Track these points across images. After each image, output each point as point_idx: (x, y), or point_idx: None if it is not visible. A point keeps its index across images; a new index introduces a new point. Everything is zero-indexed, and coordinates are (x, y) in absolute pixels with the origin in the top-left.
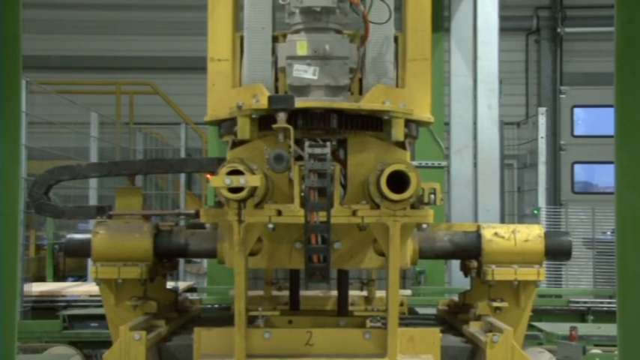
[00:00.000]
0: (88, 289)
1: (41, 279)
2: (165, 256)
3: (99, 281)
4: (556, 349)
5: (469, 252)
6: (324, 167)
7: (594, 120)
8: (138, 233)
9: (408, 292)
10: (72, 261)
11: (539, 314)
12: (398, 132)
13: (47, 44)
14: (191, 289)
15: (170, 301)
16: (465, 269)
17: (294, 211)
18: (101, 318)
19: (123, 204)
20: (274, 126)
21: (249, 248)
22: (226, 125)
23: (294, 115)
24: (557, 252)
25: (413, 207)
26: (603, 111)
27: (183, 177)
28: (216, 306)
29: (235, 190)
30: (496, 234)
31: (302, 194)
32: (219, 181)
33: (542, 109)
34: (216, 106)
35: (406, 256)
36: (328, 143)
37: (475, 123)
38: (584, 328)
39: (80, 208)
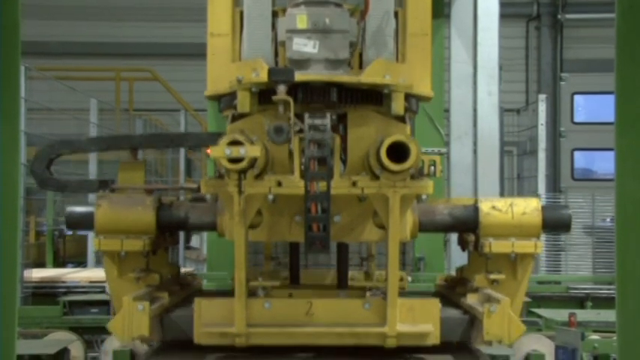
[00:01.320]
0: (88, 275)
1: (41, 265)
2: (167, 229)
3: (101, 253)
4: (555, 335)
5: (467, 225)
6: (324, 137)
7: (594, 107)
8: (141, 206)
9: (408, 278)
10: (72, 247)
11: (538, 301)
12: (398, 106)
13: (46, 30)
14: (190, 275)
15: (172, 275)
16: (463, 243)
17: (295, 182)
18: (101, 304)
19: (125, 178)
20: (274, 97)
21: (249, 219)
22: (226, 100)
23: (294, 89)
24: (555, 225)
25: (413, 178)
26: (603, 98)
27: (182, 164)
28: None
29: (235, 160)
30: (494, 207)
31: (302, 166)
32: (219, 151)
33: (542, 96)
34: (216, 80)
35: (406, 229)
36: (328, 114)
37: (475, 110)
38: (583, 315)
39: (83, 182)
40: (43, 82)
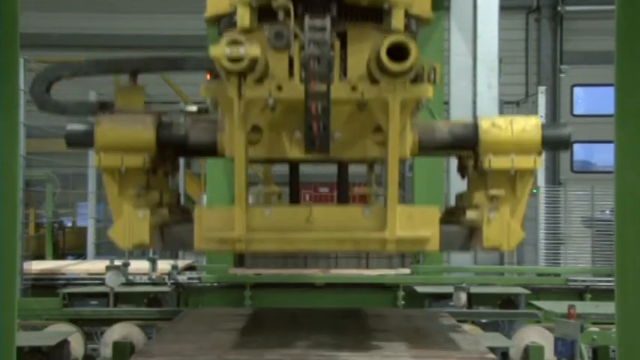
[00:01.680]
0: (87, 267)
1: (41, 257)
2: (168, 147)
3: (102, 170)
4: (554, 327)
5: (467, 142)
6: (324, 37)
7: (594, 99)
8: (141, 123)
9: (407, 270)
10: (71, 239)
11: (537, 293)
12: (398, 21)
13: (46, 22)
14: (190, 268)
15: (173, 202)
16: (462, 169)
17: (295, 85)
18: (101, 296)
19: (124, 103)
20: (274, 3)
21: (249, 126)
22: (226, 20)
23: (294, 4)
24: (554, 142)
25: (413, 82)
26: (603, 90)
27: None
28: (215, 284)
29: (235, 60)
30: (493, 124)
31: (302, 73)
32: (220, 50)
33: (541, 88)
34: (216, 1)
35: (405, 145)
36: (328, 16)
37: (475, 102)
38: (582, 307)
39: (82, 104)
40: None
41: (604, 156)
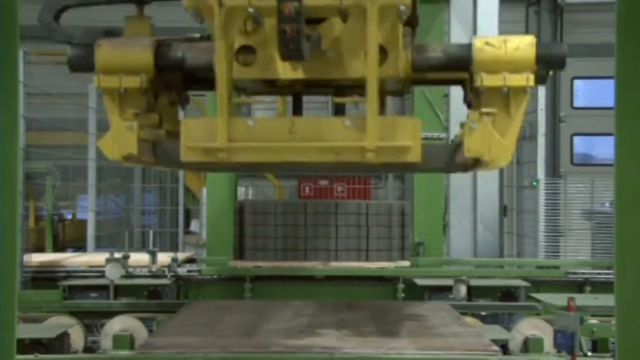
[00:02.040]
0: (87, 259)
1: (41, 249)
2: (166, 69)
3: (102, 91)
4: (554, 320)
5: (461, 62)
6: None
7: (594, 92)
8: (139, 46)
9: (407, 263)
10: (71, 232)
11: (537, 285)
12: None
13: None
14: (190, 260)
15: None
16: (466, 97)
17: None
18: (101, 288)
19: (131, 32)
20: None
21: (231, 37)
22: None
23: None
24: (549, 59)
25: None
26: (603, 82)
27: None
28: (215, 277)
29: None
30: (487, 43)
31: None
32: None
33: None
34: None
35: (397, 65)
36: None
37: None
38: (581, 299)
39: (89, 31)
40: (43, 67)
41: (604, 149)
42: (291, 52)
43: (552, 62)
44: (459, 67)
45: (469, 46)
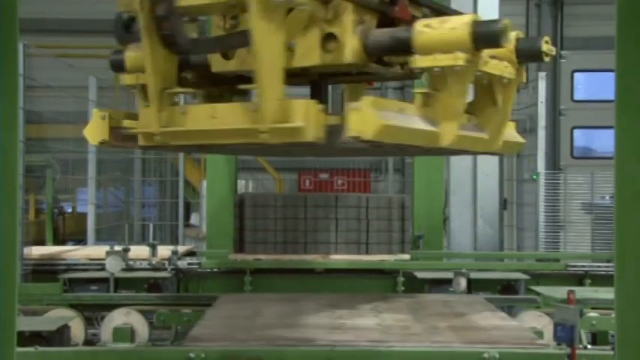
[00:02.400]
0: (87, 252)
1: (41, 242)
2: None
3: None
4: (553, 313)
5: (405, 44)
6: None
7: (594, 84)
8: None
9: (407, 256)
10: (71, 225)
11: (536, 278)
12: None
13: (45, 6)
14: (190, 253)
15: None
16: None
17: None
18: (101, 281)
19: None
20: None
21: (155, 35)
22: None
23: None
24: (484, 38)
25: None
26: (604, 75)
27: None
28: (215, 270)
29: None
30: (427, 25)
31: None
32: None
33: (542, 74)
34: None
35: (347, 50)
36: None
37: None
38: (581, 292)
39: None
40: (43, 60)
41: (604, 142)
42: (170, 47)
43: (488, 40)
44: (404, 49)
45: (412, 28)
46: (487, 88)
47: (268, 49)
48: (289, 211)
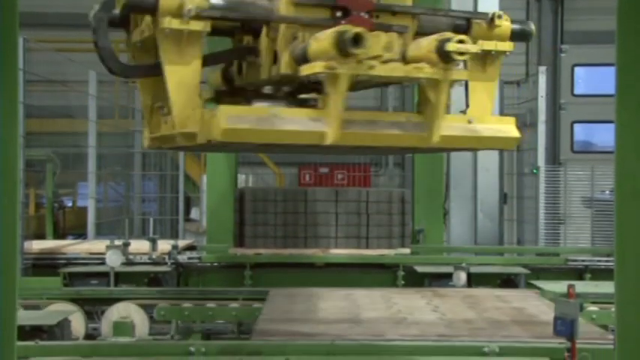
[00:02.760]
0: (88, 246)
1: (41, 237)
2: None
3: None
4: (554, 307)
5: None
6: None
7: (595, 79)
8: None
9: (407, 250)
10: (71, 219)
11: (537, 272)
12: None
13: (46, 1)
14: (190, 248)
15: None
16: None
17: None
18: (101, 275)
19: None
20: None
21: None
22: None
23: None
24: (344, 45)
25: None
26: (604, 70)
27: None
28: (215, 264)
29: None
30: (315, 38)
31: None
32: None
33: (542, 68)
34: None
35: (281, 65)
36: None
37: None
38: (581, 286)
39: None
40: (43, 54)
41: (604, 136)
42: (108, 68)
43: (346, 47)
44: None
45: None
46: (422, 89)
47: (178, 74)
48: (289, 205)
